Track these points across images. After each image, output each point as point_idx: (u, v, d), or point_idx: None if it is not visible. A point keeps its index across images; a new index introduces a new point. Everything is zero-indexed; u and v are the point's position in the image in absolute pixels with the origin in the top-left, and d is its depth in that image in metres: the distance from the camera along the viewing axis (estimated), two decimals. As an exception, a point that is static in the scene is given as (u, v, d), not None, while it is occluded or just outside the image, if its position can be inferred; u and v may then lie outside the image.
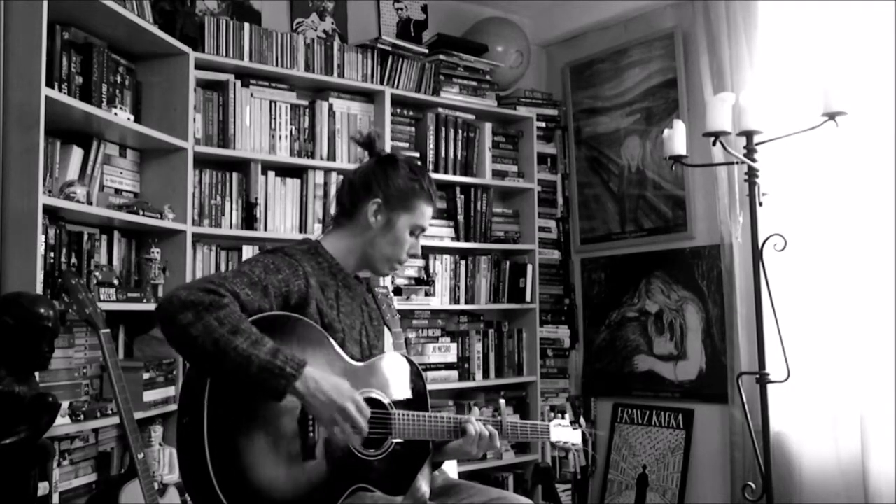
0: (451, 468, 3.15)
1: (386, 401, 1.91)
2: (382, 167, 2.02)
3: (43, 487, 2.25)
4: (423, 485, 1.90)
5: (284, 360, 1.64)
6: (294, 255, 1.89)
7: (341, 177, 3.24)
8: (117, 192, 2.94)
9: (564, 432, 2.23)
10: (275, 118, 3.44)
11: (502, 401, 2.25)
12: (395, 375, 1.97)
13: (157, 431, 2.84)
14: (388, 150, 2.11)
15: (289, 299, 1.83)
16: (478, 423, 2.00)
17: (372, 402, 1.87)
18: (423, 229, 2.04)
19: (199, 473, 1.64)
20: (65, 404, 2.51)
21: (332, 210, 2.09)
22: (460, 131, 3.99)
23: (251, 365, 1.61)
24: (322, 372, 1.72)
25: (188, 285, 1.69)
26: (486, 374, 4.00)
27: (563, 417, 2.27)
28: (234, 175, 3.32)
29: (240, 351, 1.61)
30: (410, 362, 2.03)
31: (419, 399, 2.00)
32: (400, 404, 1.94)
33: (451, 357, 3.87)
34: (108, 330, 2.44)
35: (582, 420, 2.30)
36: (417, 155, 3.84)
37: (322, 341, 1.84)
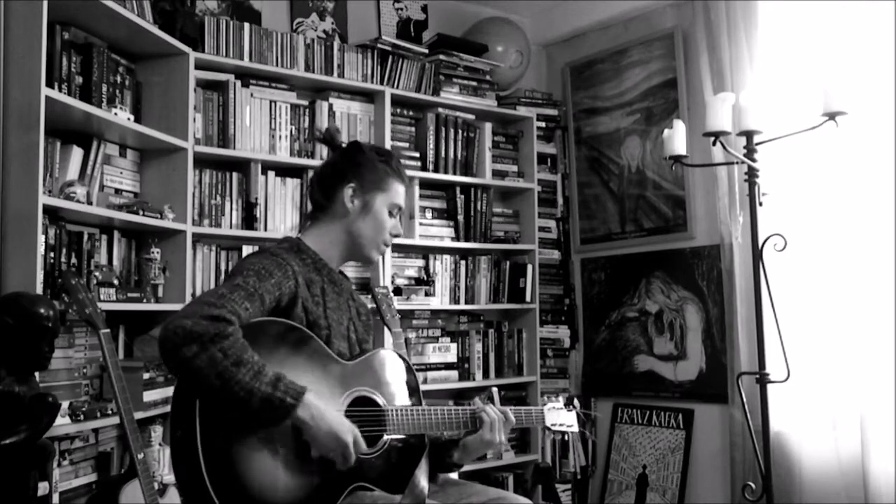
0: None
1: (378, 398, 1.92)
2: (349, 154, 2.05)
3: (43, 487, 2.25)
4: (422, 480, 1.90)
5: (284, 391, 1.66)
6: (280, 255, 1.89)
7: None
8: (117, 192, 2.94)
9: (559, 415, 2.22)
10: (275, 118, 3.44)
11: (495, 389, 2.24)
12: (385, 372, 1.98)
13: (157, 431, 2.84)
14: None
15: (280, 302, 1.83)
16: (489, 407, 2.01)
17: (364, 399, 1.88)
18: (401, 208, 2.07)
19: (195, 485, 1.64)
20: (65, 404, 2.50)
21: (307, 208, 2.10)
22: (460, 131, 3.99)
23: (253, 398, 1.64)
24: (320, 400, 1.74)
25: (191, 311, 1.67)
26: (486, 374, 4.00)
27: (556, 399, 2.25)
28: (234, 175, 3.32)
29: (243, 385, 1.63)
30: (401, 358, 2.04)
31: (412, 394, 2.01)
32: (393, 400, 1.95)
33: (451, 357, 3.87)
34: (108, 330, 2.44)
35: (576, 402, 2.27)
36: (417, 155, 3.84)
37: (310, 343, 1.85)
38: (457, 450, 2.06)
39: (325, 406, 1.74)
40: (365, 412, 1.87)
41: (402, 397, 1.98)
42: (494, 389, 2.28)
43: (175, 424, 1.72)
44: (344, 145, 2.09)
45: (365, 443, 1.79)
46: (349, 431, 1.75)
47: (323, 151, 3.55)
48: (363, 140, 3.60)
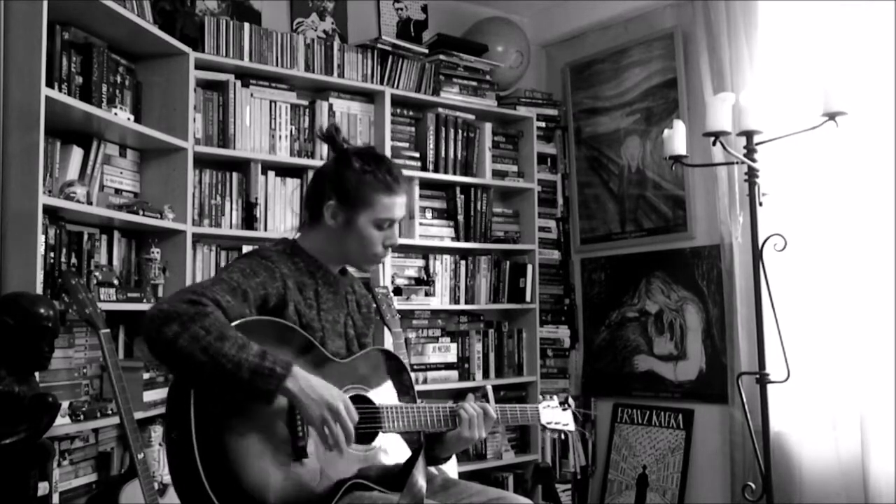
0: (451, 468, 3.15)
1: (372, 396, 1.93)
2: (334, 167, 1.98)
3: (43, 487, 2.25)
4: (420, 479, 1.90)
5: (273, 362, 1.66)
6: (270, 258, 1.89)
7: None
8: (117, 192, 2.94)
9: (554, 413, 2.20)
10: (275, 118, 3.45)
11: (489, 386, 2.25)
12: (380, 370, 1.98)
13: (157, 431, 2.84)
14: (351, 144, 2.06)
15: (267, 301, 1.83)
16: (467, 404, 2.00)
17: (358, 398, 1.88)
18: (392, 220, 1.98)
19: (193, 487, 1.64)
20: (65, 404, 2.51)
21: (304, 210, 2.08)
22: (460, 131, 3.99)
23: (241, 369, 1.63)
24: (309, 373, 1.73)
25: (169, 298, 1.69)
26: (486, 374, 4.00)
27: (550, 398, 2.25)
28: (234, 175, 3.32)
29: (229, 357, 1.62)
30: (393, 356, 2.04)
31: (406, 392, 2.01)
32: (386, 398, 1.95)
33: (451, 357, 3.87)
34: (108, 330, 2.44)
35: (570, 401, 2.26)
36: (417, 155, 3.84)
37: (303, 342, 1.85)
38: (438, 444, 2.06)
39: (313, 376, 1.72)
40: (360, 410, 1.87)
41: (395, 395, 1.99)
42: (489, 386, 2.27)
43: (170, 426, 1.72)
44: (346, 146, 2.02)
45: (359, 439, 1.79)
46: (339, 398, 1.72)
47: (323, 151, 3.55)
48: (364, 141, 3.60)
